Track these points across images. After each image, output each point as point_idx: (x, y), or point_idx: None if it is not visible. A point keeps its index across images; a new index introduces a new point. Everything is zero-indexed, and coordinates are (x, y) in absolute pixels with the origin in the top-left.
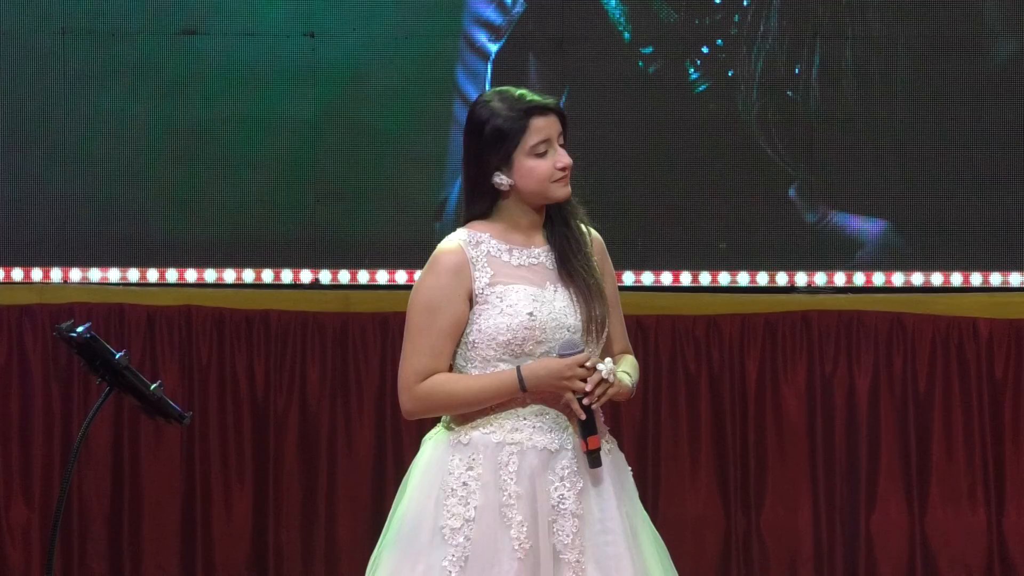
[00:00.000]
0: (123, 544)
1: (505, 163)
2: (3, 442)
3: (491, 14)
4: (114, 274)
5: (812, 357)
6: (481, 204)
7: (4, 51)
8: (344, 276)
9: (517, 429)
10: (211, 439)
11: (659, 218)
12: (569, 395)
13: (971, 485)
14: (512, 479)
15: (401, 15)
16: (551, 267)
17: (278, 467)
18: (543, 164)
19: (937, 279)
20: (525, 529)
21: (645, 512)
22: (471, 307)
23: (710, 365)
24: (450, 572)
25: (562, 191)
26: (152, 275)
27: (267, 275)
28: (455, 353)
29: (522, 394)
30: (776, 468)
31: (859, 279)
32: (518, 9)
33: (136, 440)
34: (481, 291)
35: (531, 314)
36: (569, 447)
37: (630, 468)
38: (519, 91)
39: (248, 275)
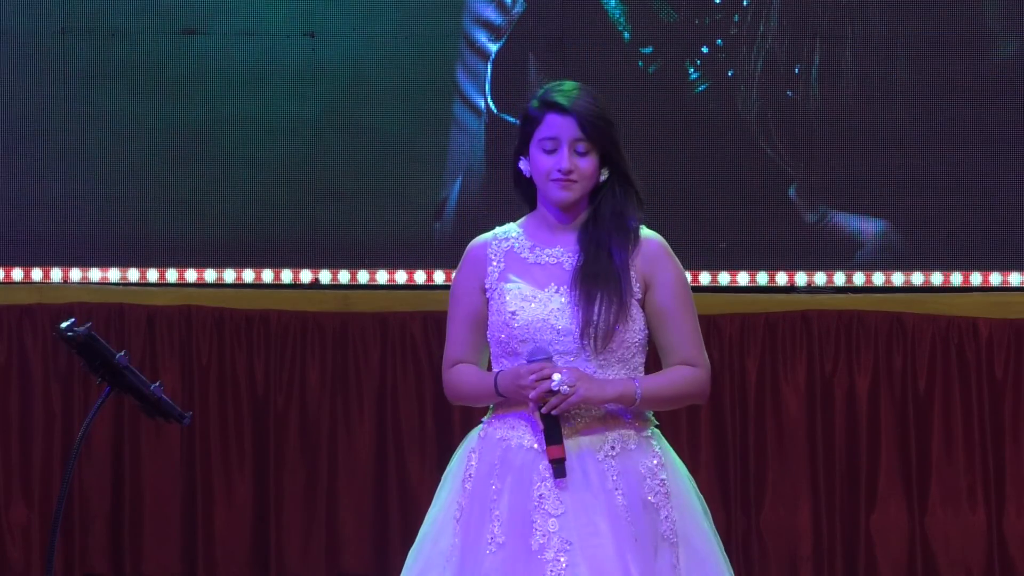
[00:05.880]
0: (124, 543)
1: (524, 149)
2: (3, 442)
3: (491, 14)
4: (114, 274)
5: (812, 357)
6: (519, 189)
7: (4, 51)
8: (344, 276)
9: (514, 427)
10: (211, 439)
11: (658, 218)
12: (530, 403)
13: (971, 485)
14: (497, 474)
15: (401, 15)
16: (568, 268)
17: (278, 466)
18: (546, 160)
19: (937, 279)
20: (499, 524)
21: (693, 520)
22: (488, 302)
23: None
24: (444, 566)
25: (557, 193)
26: (152, 275)
27: (267, 275)
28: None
29: (503, 398)
30: (776, 467)
31: (859, 279)
32: (518, 9)
33: (136, 440)
34: (490, 286)
35: (513, 313)
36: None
37: (660, 472)
38: (564, 85)
39: (248, 275)
